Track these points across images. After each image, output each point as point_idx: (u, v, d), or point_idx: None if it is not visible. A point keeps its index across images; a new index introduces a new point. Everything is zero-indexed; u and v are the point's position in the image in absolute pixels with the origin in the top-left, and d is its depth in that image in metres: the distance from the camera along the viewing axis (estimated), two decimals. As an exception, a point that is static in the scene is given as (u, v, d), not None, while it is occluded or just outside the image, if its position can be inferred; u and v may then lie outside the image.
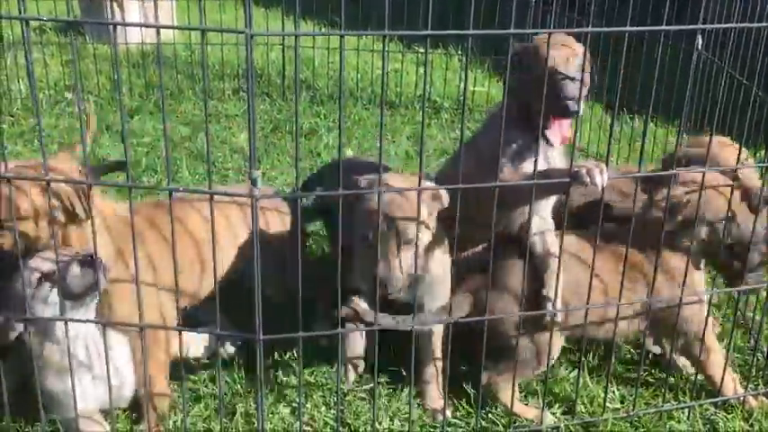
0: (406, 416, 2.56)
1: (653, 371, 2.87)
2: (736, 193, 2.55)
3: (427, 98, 5.81)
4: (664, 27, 2.18)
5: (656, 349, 2.95)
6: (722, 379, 2.62)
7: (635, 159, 3.61)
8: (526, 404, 2.68)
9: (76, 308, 2.23)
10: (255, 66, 6.00)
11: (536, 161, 2.32)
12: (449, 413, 2.58)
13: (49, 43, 6.17)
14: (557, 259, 2.50)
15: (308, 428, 2.48)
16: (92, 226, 2.13)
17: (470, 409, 2.63)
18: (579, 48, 2.54)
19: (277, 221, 2.84)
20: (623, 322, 2.57)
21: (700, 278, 2.68)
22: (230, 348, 2.84)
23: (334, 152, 4.82)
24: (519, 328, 2.47)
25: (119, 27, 6.35)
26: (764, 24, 3.16)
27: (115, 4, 6.42)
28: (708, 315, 2.59)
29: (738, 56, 3.78)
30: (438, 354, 2.68)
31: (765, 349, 2.97)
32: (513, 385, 2.56)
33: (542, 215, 2.65)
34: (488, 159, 2.39)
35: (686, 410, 2.65)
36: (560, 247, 2.41)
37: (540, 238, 2.60)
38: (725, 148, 2.83)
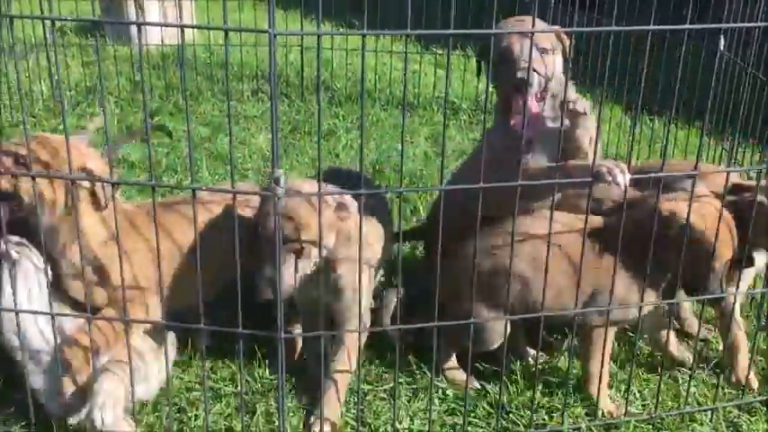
0: (427, 416, 2.55)
1: (677, 372, 2.85)
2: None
3: (444, 99, 5.81)
4: (686, 26, 2.16)
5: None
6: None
7: (654, 161, 3.58)
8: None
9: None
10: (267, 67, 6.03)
11: (559, 152, 2.32)
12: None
13: (70, 45, 6.24)
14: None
15: (328, 428, 2.48)
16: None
17: (491, 410, 2.62)
18: (545, 28, 2.58)
19: None
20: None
21: None
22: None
23: (352, 153, 4.83)
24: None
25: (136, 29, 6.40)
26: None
27: (136, 5, 6.48)
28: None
29: (761, 56, 3.74)
30: (343, 367, 2.57)
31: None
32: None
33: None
34: (498, 154, 2.47)
35: (709, 413, 2.63)
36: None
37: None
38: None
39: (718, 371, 2.84)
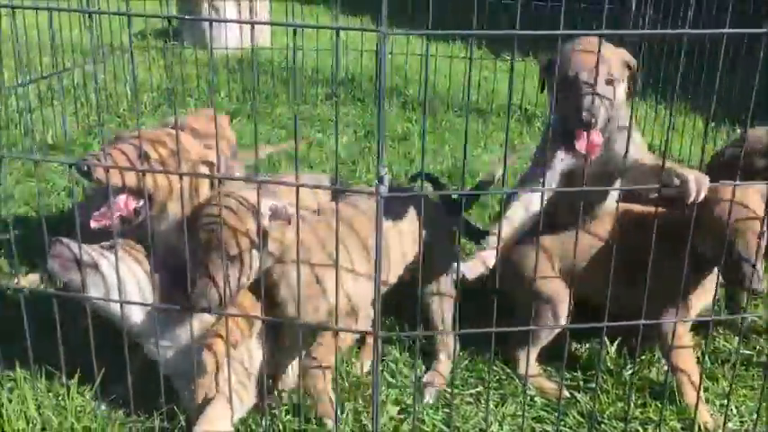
0: (515, 422, 2.52)
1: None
2: None
3: (518, 106, 5.78)
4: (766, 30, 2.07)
5: None
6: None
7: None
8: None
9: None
10: (346, 71, 6.10)
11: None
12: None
13: (149, 48, 6.42)
14: None
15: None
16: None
17: (581, 419, 2.58)
18: (613, 54, 2.48)
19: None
20: None
21: None
22: None
23: (427, 157, 4.83)
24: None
25: (216, 33, 6.56)
26: None
27: (210, 6, 6.63)
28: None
29: None
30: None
31: None
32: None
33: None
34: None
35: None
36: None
37: None
38: None
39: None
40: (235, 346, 2.31)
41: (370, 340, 2.83)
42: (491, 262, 2.50)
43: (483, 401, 2.63)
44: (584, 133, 2.49)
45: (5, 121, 4.67)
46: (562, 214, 2.73)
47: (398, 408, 2.61)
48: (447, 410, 2.58)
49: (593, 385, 2.71)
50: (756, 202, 2.47)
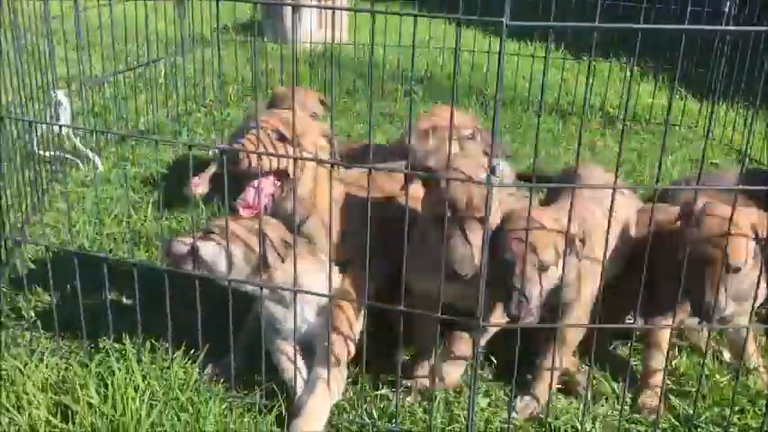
0: (610, 421, 2.50)
1: None
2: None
3: (599, 108, 5.72)
4: None
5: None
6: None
7: None
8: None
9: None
10: (421, 69, 6.13)
11: None
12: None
13: (232, 41, 6.59)
14: None
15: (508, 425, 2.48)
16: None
17: (676, 423, 2.54)
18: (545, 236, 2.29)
19: None
20: None
21: None
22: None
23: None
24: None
25: (297, 29, 6.67)
26: None
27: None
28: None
29: None
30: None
31: None
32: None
33: None
34: None
35: None
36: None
37: None
38: None
39: None
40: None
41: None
42: None
43: (575, 399, 2.63)
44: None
45: (101, 107, 4.86)
46: None
47: (488, 400, 2.63)
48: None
49: (691, 389, 2.68)
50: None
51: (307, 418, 2.35)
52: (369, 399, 2.57)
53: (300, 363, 2.51)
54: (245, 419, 2.40)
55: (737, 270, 2.34)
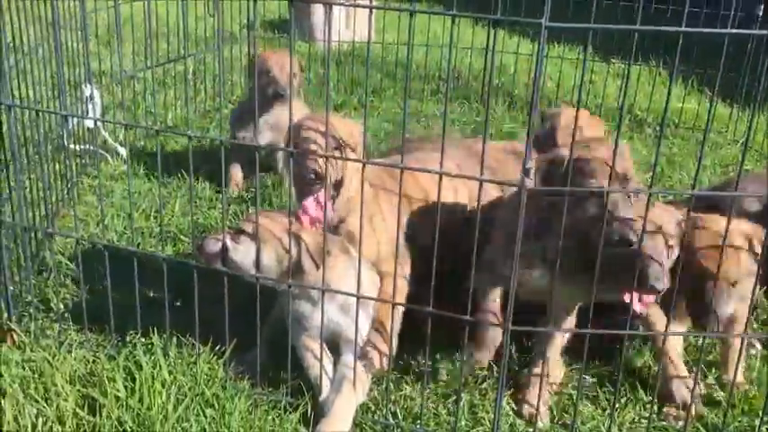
0: (635, 428, 2.47)
1: None
2: None
3: (628, 111, 5.65)
4: None
5: None
6: None
7: None
8: None
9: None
10: (454, 68, 6.10)
11: None
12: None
13: (261, 38, 6.62)
14: None
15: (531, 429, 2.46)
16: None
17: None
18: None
19: None
20: None
21: None
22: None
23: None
24: None
25: (324, 27, 6.68)
26: None
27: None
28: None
29: None
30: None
31: None
32: None
33: None
34: None
35: None
36: None
37: None
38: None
39: None
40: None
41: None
42: None
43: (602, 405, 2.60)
44: None
45: (131, 102, 4.89)
46: None
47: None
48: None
49: (719, 397, 2.65)
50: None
51: (333, 419, 2.35)
52: (394, 399, 2.56)
53: (326, 360, 2.51)
54: (270, 417, 2.40)
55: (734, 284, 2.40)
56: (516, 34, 7.24)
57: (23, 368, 2.50)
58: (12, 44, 3.00)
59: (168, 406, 2.32)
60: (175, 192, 3.98)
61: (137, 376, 2.40)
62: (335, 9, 6.97)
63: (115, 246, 3.18)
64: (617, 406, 2.58)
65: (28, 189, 3.07)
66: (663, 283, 2.25)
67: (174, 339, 2.59)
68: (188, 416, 2.32)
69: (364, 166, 2.16)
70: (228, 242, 2.42)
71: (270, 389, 2.55)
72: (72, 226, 3.43)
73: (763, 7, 5.35)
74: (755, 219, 2.66)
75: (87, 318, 2.68)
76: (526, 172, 2.02)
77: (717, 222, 2.44)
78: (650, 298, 2.37)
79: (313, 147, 2.47)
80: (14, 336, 2.66)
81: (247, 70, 4.30)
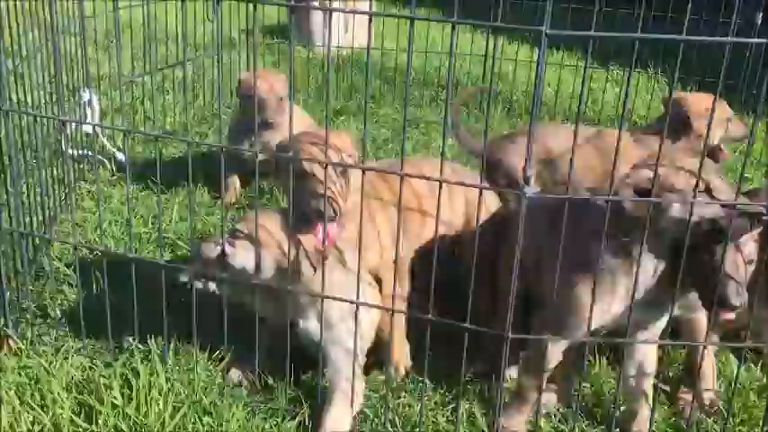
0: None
1: None
2: None
3: (627, 118, 5.66)
4: None
5: None
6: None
7: None
8: None
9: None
10: (453, 75, 6.10)
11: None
12: None
13: (260, 44, 6.61)
14: None
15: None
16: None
17: None
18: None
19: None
20: None
21: None
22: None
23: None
24: None
25: (322, 32, 6.68)
26: None
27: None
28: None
29: None
30: None
31: None
32: None
33: None
34: None
35: None
36: None
37: None
38: None
39: None
40: None
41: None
42: None
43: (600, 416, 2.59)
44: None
45: (130, 107, 4.88)
46: None
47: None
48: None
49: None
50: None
51: (329, 422, 2.36)
52: (392, 407, 2.55)
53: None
54: (268, 425, 2.39)
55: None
56: (515, 41, 7.25)
57: (20, 375, 2.49)
58: (10, 48, 3.00)
59: (165, 413, 2.30)
60: (174, 197, 3.96)
61: (134, 383, 2.39)
62: (334, 15, 6.98)
63: (113, 252, 3.17)
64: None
65: (25, 194, 3.06)
66: (742, 300, 2.17)
67: (172, 346, 2.58)
68: (185, 424, 2.31)
69: (364, 172, 2.15)
70: (227, 247, 2.40)
71: (268, 396, 2.54)
72: (69, 231, 3.42)
73: (761, 15, 5.35)
74: None
75: (84, 324, 2.67)
76: (526, 180, 2.01)
77: None
78: (729, 314, 2.31)
79: (320, 187, 2.35)
80: (11, 342, 2.65)
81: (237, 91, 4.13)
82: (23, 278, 2.86)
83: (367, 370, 2.64)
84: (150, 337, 2.56)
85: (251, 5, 5.44)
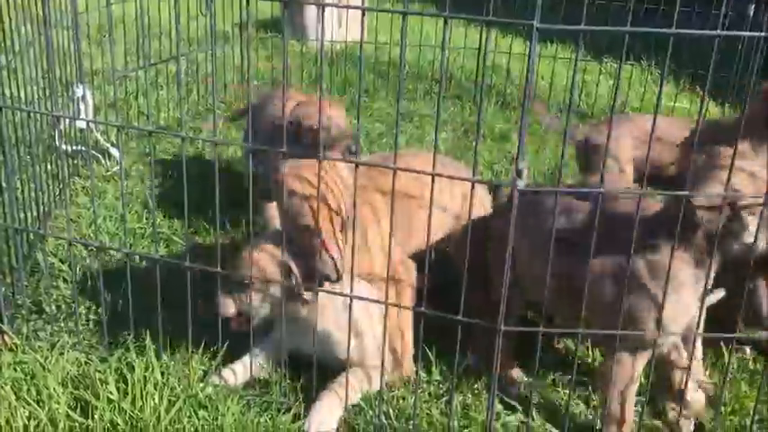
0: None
1: None
2: None
3: (622, 111, 5.67)
4: None
5: None
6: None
7: None
8: None
9: None
10: (447, 68, 6.11)
11: None
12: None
13: (253, 38, 6.59)
14: None
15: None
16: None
17: None
18: None
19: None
20: None
21: None
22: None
23: (527, 156, 4.79)
24: None
25: (315, 26, 6.68)
26: None
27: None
28: None
29: None
30: None
31: None
32: None
33: None
34: None
35: None
36: None
37: None
38: None
39: None
40: None
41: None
42: None
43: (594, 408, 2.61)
44: None
45: (123, 102, 4.88)
46: None
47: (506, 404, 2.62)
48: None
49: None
50: None
51: (318, 413, 2.41)
52: (386, 399, 2.57)
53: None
54: (263, 418, 2.40)
55: None
56: (509, 34, 7.26)
57: (15, 370, 2.49)
58: (2, 43, 2.99)
59: (161, 408, 2.31)
60: (168, 193, 3.97)
61: (129, 378, 2.40)
62: (328, 9, 6.97)
63: (108, 247, 3.17)
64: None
65: (20, 190, 3.06)
66: None
67: (167, 340, 2.59)
68: (181, 417, 2.32)
69: (357, 166, 2.16)
70: (243, 306, 2.47)
71: (263, 389, 2.55)
72: (64, 227, 3.43)
73: (754, 7, 5.38)
74: None
75: (80, 320, 2.68)
76: (518, 173, 2.03)
77: None
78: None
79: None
80: (6, 338, 2.65)
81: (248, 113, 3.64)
82: (18, 274, 2.86)
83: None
84: (145, 332, 2.57)
85: (244, 0, 5.45)
